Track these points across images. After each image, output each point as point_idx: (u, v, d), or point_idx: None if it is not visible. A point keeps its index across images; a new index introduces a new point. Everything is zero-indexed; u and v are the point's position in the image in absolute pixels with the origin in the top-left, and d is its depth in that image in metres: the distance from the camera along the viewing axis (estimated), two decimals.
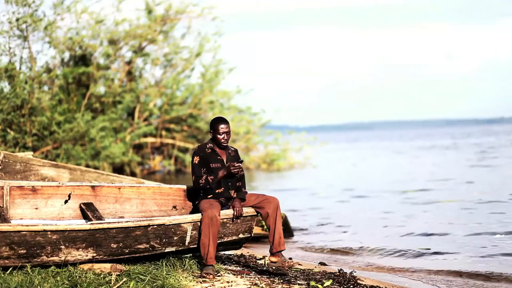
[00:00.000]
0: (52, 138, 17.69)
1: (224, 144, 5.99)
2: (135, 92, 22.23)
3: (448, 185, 16.92)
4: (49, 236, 5.21)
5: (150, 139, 23.14)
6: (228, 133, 5.98)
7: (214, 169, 5.93)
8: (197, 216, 5.74)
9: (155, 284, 5.17)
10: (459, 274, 7.06)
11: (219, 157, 5.99)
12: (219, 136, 5.95)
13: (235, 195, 5.99)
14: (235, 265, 6.48)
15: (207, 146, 6.01)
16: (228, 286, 5.46)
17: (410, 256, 8.09)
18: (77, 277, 5.09)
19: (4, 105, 15.67)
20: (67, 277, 5.11)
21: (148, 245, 5.58)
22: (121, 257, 5.53)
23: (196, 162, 5.94)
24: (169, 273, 5.43)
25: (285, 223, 9.37)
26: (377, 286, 5.98)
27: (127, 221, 5.50)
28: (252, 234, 6.10)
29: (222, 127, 5.96)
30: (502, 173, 20.38)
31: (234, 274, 5.92)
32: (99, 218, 5.98)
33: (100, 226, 5.37)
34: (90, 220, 5.96)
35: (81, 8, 20.39)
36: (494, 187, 15.86)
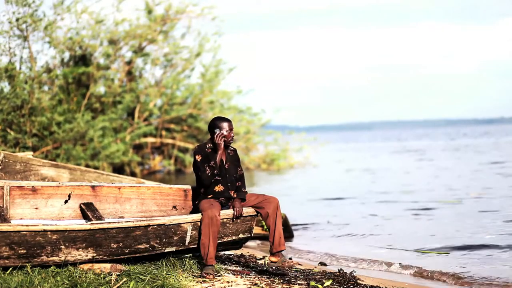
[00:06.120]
0: (52, 138, 17.67)
1: (231, 142, 6.05)
2: (135, 92, 22.23)
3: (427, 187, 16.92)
4: (49, 236, 5.21)
5: (150, 139, 23.14)
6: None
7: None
8: (197, 216, 5.74)
9: (155, 284, 5.17)
10: (462, 275, 7.03)
11: None
12: (226, 134, 6.00)
13: (235, 195, 5.99)
14: (235, 265, 6.48)
15: (207, 145, 6.03)
16: (228, 286, 5.46)
17: (410, 257, 8.08)
18: (77, 277, 5.09)
19: (4, 105, 15.66)
20: (67, 277, 5.11)
21: (148, 245, 5.58)
22: (121, 257, 5.53)
23: (199, 160, 5.95)
24: (169, 273, 5.43)
25: (285, 223, 9.37)
26: (377, 286, 5.98)
27: (127, 221, 5.50)
28: (252, 234, 6.11)
29: (229, 125, 6.01)
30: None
31: (234, 274, 5.92)
32: (99, 218, 5.98)
33: (100, 226, 5.37)
34: (90, 220, 5.96)
35: (81, 8, 20.38)
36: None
